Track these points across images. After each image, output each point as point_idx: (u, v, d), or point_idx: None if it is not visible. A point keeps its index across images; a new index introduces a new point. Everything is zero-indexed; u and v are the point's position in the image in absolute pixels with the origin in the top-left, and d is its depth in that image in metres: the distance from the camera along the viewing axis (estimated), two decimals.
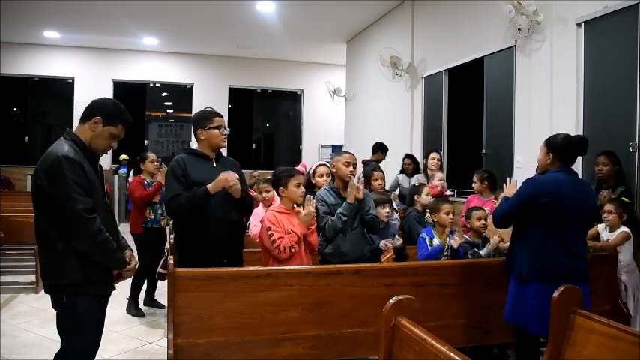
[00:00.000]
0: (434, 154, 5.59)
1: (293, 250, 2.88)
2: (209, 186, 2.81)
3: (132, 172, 7.77)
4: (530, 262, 2.69)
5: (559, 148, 2.76)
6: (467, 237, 3.58)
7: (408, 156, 6.36)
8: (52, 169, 2.07)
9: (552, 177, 2.72)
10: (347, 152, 3.31)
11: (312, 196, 3.13)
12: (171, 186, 2.92)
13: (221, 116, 3.02)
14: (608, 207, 3.52)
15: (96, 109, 2.24)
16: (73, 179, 2.06)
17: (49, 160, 2.09)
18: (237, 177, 2.86)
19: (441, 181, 5.01)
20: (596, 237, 3.63)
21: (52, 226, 2.10)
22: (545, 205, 2.64)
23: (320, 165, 3.95)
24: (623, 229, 3.48)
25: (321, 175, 3.80)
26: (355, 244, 3.13)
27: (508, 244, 3.44)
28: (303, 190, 3.07)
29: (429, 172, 5.49)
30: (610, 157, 3.80)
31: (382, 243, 3.29)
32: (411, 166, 6.21)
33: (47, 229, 2.11)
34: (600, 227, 3.63)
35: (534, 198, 2.66)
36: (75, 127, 2.29)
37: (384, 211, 3.49)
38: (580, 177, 4.26)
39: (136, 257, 2.43)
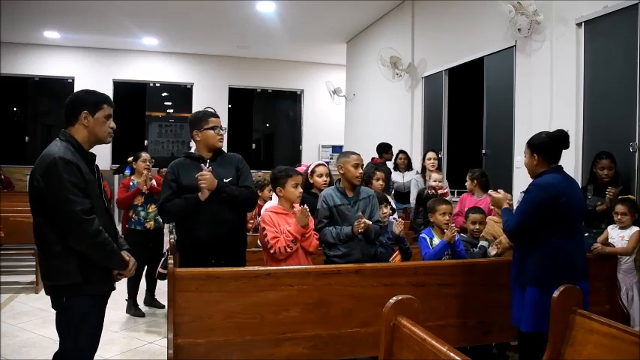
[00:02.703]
0: (430, 154, 5.52)
1: (289, 250, 2.87)
2: (199, 194, 2.80)
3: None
4: (555, 266, 2.63)
5: (543, 146, 2.74)
6: (464, 236, 3.58)
7: (401, 151, 6.37)
8: (48, 171, 2.06)
9: (553, 177, 2.69)
10: (354, 153, 3.23)
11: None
12: (162, 191, 2.96)
13: (217, 116, 3.00)
14: (620, 208, 3.50)
15: (76, 105, 2.22)
16: (69, 180, 2.05)
17: (45, 161, 2.08)
18: (209, 172, 2.81)
19: (435, 181, 5.00)
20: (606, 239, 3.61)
21: (50, 227, 2.09)
22: (564, 205, 2.61)
23: (319, 165, 3.92)
24: (635, 228, 3.47)
25: (320, 175, 3.77)
26: (362, 245, 3.11)
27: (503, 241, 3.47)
28: (301, 190, 3.07)
29: (427, 172, 5.47)
30: (613, 161, 3.80)
31: (395, 226, 3.25)
32: (405, 162, 6.22)
33: (45, 230, 2.11)
34: (609, 228, 3.61)
35: (552, 201, 2.61)
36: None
37: (380, 212, 3.47)
38: (580, 177, 4.29)
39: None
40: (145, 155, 4.77)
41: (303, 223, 2.90)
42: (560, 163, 2.81)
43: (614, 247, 3.44)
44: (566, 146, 2.79)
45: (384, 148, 6.71)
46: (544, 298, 2.61)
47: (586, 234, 3.63)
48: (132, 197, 4.57)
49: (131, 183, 4.67)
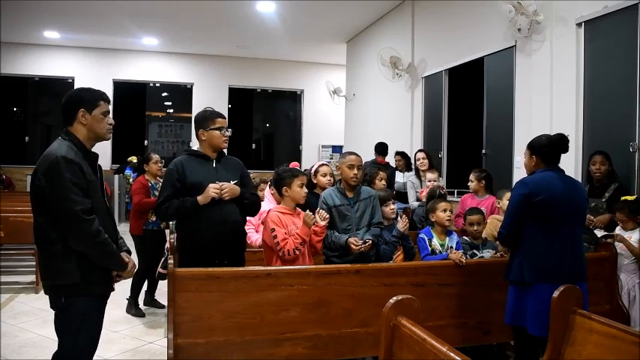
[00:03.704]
0: (419, 154, 5.52)
1: (298, 252, 2.88)
2: (199, 198, 2.80)
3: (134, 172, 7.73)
4: (531, 265, 2.67)
5: (542, 148, 2.79)
6: (466, 238, 3.58)
7: (397, 153, 6.39)
8: (50, 170, 2.07)
9: (541, 175, 2.74)
10: (352, 154, 3.23)
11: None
12: (163, 190, 2.94)
13: (224, 117, 3.00)
14: (619, 216, 3.52)
15: (72, 105, 2.22)
16: (71, 180, 2.06)
17: (48, 160, 2.09)
18: (220, 185, 2.82)
19: (430, 182, 5.00)
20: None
21: (51, 227, 2.09)
22: (541, 203, 2.64)
23: (322, 165, 3.94)
24: None
25: (324, 175, 3.80)
26: None
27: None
28: (306, 190, 3.07)
29: (421, 173, 5.47)
30: (606, 157, 3.81)
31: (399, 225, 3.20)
32: (401, 162, 6.25)
33: (46, 230, 2.11)
34: (617, 229, 3.60)
35: (528, 198, 2.66)
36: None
37: (388, 209, 3.47)
38: (580, 178, 4.29)
39: (134, 259, 2.42)
40: (155, 157, 4.76)
41: (310, 225, 2.91)
42: (560, 166, 2.83)
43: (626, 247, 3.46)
44: (565, 150, 2.83)
45: (385, 148, 6.70)
46: (520, 295, 2.72)
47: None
48: (154, 204, 4.54)
49: (150, 184, 4.63)
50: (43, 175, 2.08)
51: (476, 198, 4.44)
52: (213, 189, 2.80)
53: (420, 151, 5.70)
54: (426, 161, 5.43)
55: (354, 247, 2.93)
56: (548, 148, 2.78)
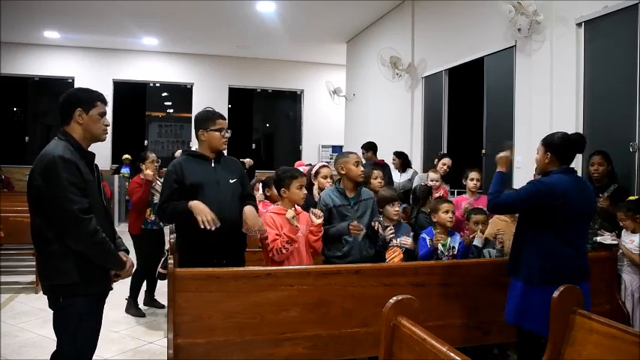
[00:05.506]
0: (446, 160, 5.42)
1: (284, 251, 2.86)
2: (192, 204, 2.71)
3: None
4: (541, 266, 2.65)
5: (557, 146, 2.72)
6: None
7: (394, 153, 6.41)
8: (47, 170, 2.06)
9: (560, 179, 2.67)
10: (351, 153, 3.25)
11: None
12: (162, 192, 2.94)
13: (224, 118, 2.98)
14: (619, 215, 3.49)
15: (70, 104, 2.22)
16: (68, 179, 2.06)
17: (44, 160, 2.08)
18: (213, 217, 2.68)
19: (432, 181, 5.00)
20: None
21: (48, 226, 2.09)
22: (558, 207, 2.60)
23: (323, 166, 3.93)
24: None
25: (325, 177, 3.79)
26: (360, 245, 3.11)
27: (498, 234, 3.49)
28: (305, 192, 3.06)
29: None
30: (605, 157, 3.80)
31: (401, 240, 3.21)
32: (397, 162, 6.29)
33: (43, 229, 2.11)
34: (623, 233, 3.56)
35: (547, 201, 2.60)
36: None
37: (392, 210, 3.45)
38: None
39: (132, 258, 2.42)
40: (152, 156, 4.70)
41: (293, 223, 2.88)
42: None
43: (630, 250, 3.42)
44: (581, 150, 2.80)
45: (374, 146, 6.72)
46: (527, 294, 2.68)
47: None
48: (148, 192, 4.49)
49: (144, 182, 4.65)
50: (40, 174, 2.08)
51: (467, 197, 4.39)
52: (206, 216, 2.65)
53: (447, 156, 5.55)
54: (448, 169, 5.32)
55: (354, 231, 2.95)
56: (564, 146, 2.72)
